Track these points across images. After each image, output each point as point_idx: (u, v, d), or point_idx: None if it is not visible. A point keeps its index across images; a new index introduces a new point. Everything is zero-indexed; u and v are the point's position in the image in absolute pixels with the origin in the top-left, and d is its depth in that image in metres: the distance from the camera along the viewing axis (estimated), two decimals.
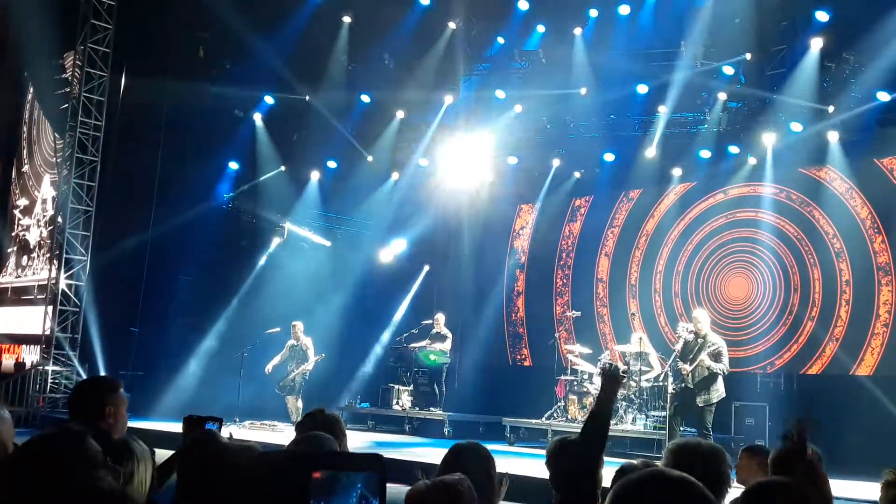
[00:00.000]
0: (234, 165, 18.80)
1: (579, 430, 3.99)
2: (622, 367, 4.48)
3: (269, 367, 14.79)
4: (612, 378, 4.09)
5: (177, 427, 4.79)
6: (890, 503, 3.45)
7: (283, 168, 18.88)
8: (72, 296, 17.08)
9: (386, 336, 18.82)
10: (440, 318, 16.56)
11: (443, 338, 16.33)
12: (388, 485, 2.11)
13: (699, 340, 11.23)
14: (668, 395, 11.63)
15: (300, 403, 14.59)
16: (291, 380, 14.71)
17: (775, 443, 4.24)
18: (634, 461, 3.53)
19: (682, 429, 11.29)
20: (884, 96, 13.35)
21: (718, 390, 11.08)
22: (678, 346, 11.51)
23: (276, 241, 19.24)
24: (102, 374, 15.73)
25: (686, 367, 11.13)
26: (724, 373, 11.11)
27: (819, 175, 14.88)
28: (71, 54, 18.13)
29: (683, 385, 11.24)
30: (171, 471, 4.14)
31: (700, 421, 11.05)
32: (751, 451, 5.17)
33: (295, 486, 2.01)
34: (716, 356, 11.05)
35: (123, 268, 17.50)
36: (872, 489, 3.38)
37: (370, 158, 18.72)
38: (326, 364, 15.80)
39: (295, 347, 14.95)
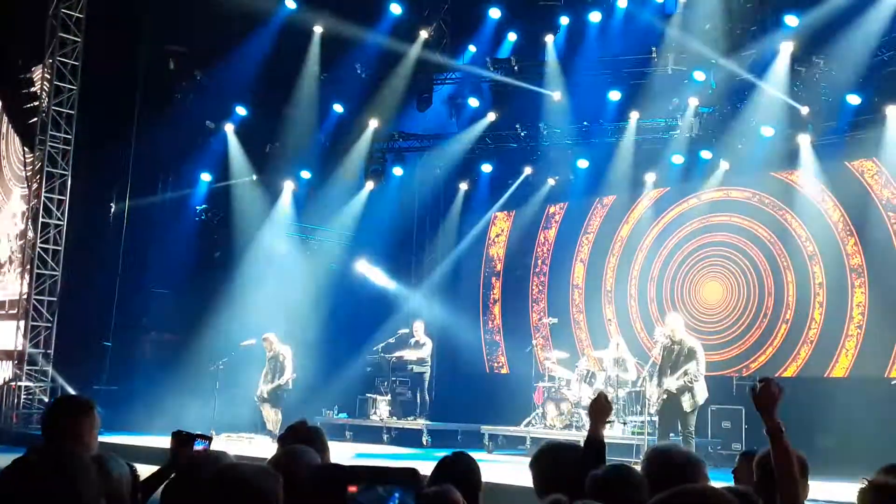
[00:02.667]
0: (206, 177, 18.65)
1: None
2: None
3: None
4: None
5: (151, 441, 4.74)
6: None
7: (254, 177, 18.77)
8: (44, 311, 16.88)
9: (363, 345, 18.68)
10: (419, 326, 16.50)
11: (421, 346, 16.27)
12: None
13: (675, 346, 11.21)
14: (651, 402, 11.53)
15: (279, 415, 14.47)
16: (272, 391, 14.62)
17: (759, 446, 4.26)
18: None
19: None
20: (854, 99, 13.47)
21: (703, 391, 11.03)
22: (655, 352, 11.50)
23: (249, 252, 19.11)
24: (76, 389, 15.58)
25: (670, 381, 11.01)
26: (696, 377, 11.02)
27: (791, 178, 15.00)
28: (39, 68, 17.94)
29: (666, 394, 11.11)
30: (155, 487, 4.06)
31: (684, 424, 10.97)
32: (747, 455, 5.18)
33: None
34: (690, 359, 10.99)
35: (96, 282, 17.33)
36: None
37: (344, 168, 18.68)
38: (302, 375, 15.69)
39: (273, 359, 14.85)
